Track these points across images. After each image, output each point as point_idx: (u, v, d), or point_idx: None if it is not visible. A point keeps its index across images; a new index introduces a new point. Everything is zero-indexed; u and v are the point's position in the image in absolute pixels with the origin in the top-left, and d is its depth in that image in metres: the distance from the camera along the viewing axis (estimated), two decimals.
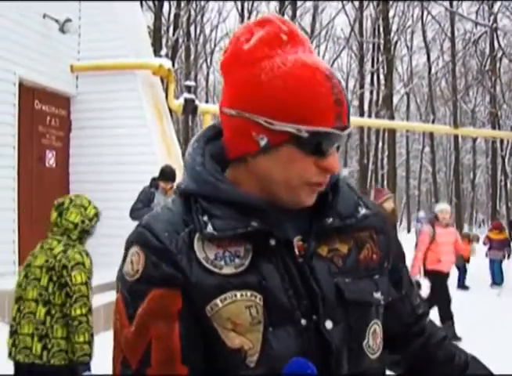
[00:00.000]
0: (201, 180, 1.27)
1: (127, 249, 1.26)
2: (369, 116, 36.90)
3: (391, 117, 28.28)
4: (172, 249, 1.21)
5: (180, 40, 34.21)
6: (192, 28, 37.48)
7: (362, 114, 35.44)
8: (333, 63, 43.58)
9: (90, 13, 10.82)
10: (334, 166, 1.23)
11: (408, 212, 54.31)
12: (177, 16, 31.98)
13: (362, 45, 36.75)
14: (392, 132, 28.04)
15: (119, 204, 8.83)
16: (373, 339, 1.32)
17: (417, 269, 9.24)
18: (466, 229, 38.08)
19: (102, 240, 6.40)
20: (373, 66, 38.63)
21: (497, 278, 15.24)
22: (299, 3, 36.09)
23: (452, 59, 34.53)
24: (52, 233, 4.13)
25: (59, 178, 10.56)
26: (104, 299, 7.14)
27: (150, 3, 30.21)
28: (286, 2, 34.13)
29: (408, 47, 44.20)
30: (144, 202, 7.77)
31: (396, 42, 38.58)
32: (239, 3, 37.30)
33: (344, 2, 37.32)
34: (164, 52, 26.66)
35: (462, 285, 15.02)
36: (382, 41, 33.21)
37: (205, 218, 1.22)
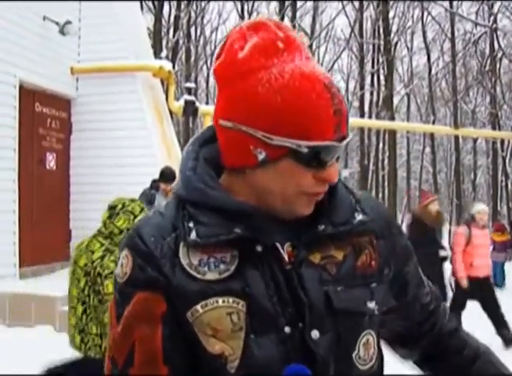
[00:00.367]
0: (190, 186, 1.26)
1: (120, 251, 1.28)
2: (370, 117, 36.85)
3: (392, 118, 28.25)
4: (157, 254, 1.22)
5: (180, 41, 34.19)
6: (192, 30, 37.44)
7: (362, 115, 35.39)
8: (334, 64, 43.57)
9: (90, 15, 10.84)
10: (333, 177, 1.21)
11: (409, 212, 54.20)
12: (177, 17, 31.96)
13: (362, 46, 36.69)
14: (393, 133, 28.00)
15: None
16: (365, 350, 1.29)
17: (463, 273, 8.55)
18: None
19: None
20: (373, 67, 38.56)
21: (499, 280, 15.22)
22: (299, 4, 36.03)
23: (452, 60, 34.48)
24: (99, 233, 4.24)
25: (60, 181, 10.57)
26: None
27: (150, 5, 30.20)
28: (286, 3, 34.08)
29: (408, 48, 44.11)
30: (145, 204, 7.78)
31: (396, 43, 38.49)
32: (239, 4, 37.27)
33: (344, 3, 37.28)
34: (164, 53, 26.67)
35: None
36: (382, 42, 33.14)
37: (191, 224, 1.23)
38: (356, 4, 36.21)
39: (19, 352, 6.57)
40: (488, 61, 36.22)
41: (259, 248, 1.22)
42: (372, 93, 39.38)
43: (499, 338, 8.32)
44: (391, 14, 34.32)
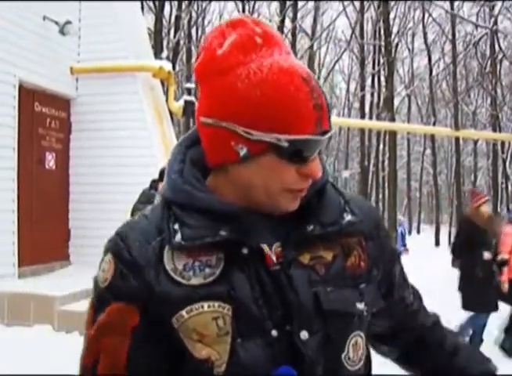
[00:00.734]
0: (177, 188, 1.26)
1: (103, 254, 1.28)
2: (370, 118, 36.90)
3: (392, 119, 28.23)
4: (141, 261, 1.22)
5: (181, 42, 34.20)
6: (193, 30, 37.45)
7: (363, 116, 35.45)
8: (335, 65, 43.61)
9: (90, 15, 10.84)
10: (316, 172, 1.21)
11: (409, 214, 54.27)
12: (178, 18, 31.95)
13: (362, 47, 36.72)
14: (393, 134, 28.00)
15: (119, 205, 8.83)
16: (354, 351, 1.29)
17: (505, 277, 8.14)
18: None
19: (101, 241, 6.41)
20: (373, 68, 38.60)
21: None
22: (300, 5, 36.03)
23: (453, 61, 34.51)
24: None
25: (59, 180, 10.57)
26: None
27: (151, 5, 30.19)
28: (288, 4, 34.08)
29: (409, 49, 44.15)
30: (145, 204, 7.77)
31: (397, 44, 38.52)
32: (240, 5, 37.27)
33: (345, 4, 37.30)
34: (165, 54, 26.67)
35: None
36: (383, 44, 33.13)
37: (176, 226, 1.22)
38: (357, 5, 36.24)
39: (18, 352, 6.57)
40: (489, 63, 36.22)
41: (245, 251, 1.22)
42: (372, 94, 39.43)
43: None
44: (391, 15, 34.33)
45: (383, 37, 32.99)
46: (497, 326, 8.36)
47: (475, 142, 42.77)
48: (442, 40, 40.46)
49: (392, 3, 34.41)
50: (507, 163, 38.69)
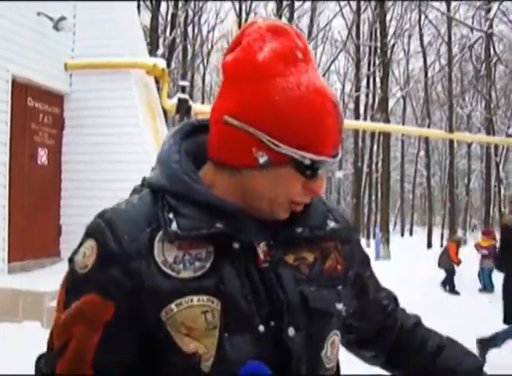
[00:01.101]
0: (176, 178, 1.26)
1: (84, 237, 1.26)
2: (365, 119, 36.95)
3: (387, 121, 28.27)
4: (130, 254, 1.20)
5: (177, 40, 34.13)
6: (189, 28, 37.43)
7: (357, 117, 35.47)
8: (330, 65, 43.66)
9: (85, 11, 10.79)
10: (321, 189, 1.26)
11: (402, 216, 54.35)
12: (174, 15, 31.93)
13: (358, 48, 36.76)
14: (387, 136, 28.04)
15: (110, 202, 8.79)
16: (331, 349, 1.33)
17: None
18: (459, 233, 38.13)
19: None
20: (369, 69, 38.67)
21: (487, 284, 15.23)
22: (297, 5, 36.07)
23: (448, 64, 34.59)
24: None
25: (51, 176, 10.54)
26: None
27: (148, 2, 30.18)
28: (284, 3, 34.11)
29: (404, 51, 44.24)
30: None
31: (393, 46, 38.62)
32: (237, 4, 37.28)
33: (342, 5, 37.37)
34: (160, 51, 26.65)
35: (452, 289, 15.07)
36: (379, 45, 33.16)
37: (171, 215, 1.22)
38: (354, 6, 36.29)
39: (6, 348, 6.55)
40: (484, 66, 36.32)
41: (236, 245, 1.23)
42: (367, 95, 39.52)
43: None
44: (388, 17, 34.43)
45: (379, 39, 32.99)
46: None
47: (469, 145, 42.91)
48: (438, 42, 40.64)
49: (389, 4, 34.49)
50: (500, 166, 38.81)
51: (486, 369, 1.57)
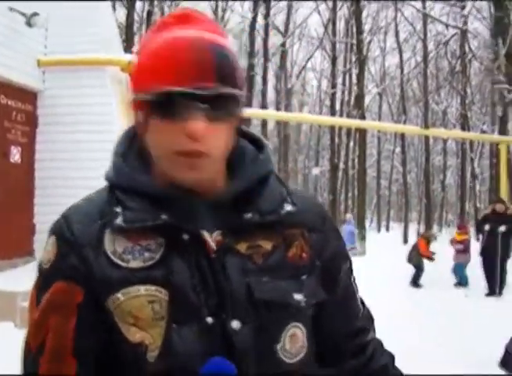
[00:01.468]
0: (120, 171, 1.28)
1: (48, 236, 1.31)
2: (341, 116, 37.04)
3: (363, 117, 28.33)
4: (81, 242, 1.23)
5: None
6: None
7: (333, 114, 35.55)
8: (307, 62, 43.75)
9: (58, 7, 10.67)
10: (192, 129, 1.16)
11: (378, 212, 54.63)
12: (150, 13, 31.78)
13: (334, 45, 36.85)
14: (363, 133, 28.16)
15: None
16: (291, 343, 1.26)
17: None
18: (435, 229, 38.43)
19: None
20: (345, 66, 38.83)
21: (462, 279, 15.33)
22: (273, 3, 36.05)
23: (423, 60, 34.83)
24: None
25: (25, 175, 10.42)
26: None
27: None
28: (260, 1, 34.08)
29: (381, 48, 44.50)
30: None
31: (369, 43, 38.82)
32: (213, 2, 37.17)
33: (318, 2, 37.44)
34: (136, 48, 26.47)
35: (414, 282, 15.19)
36: (355, 42, 33.26)
37: (118, 209, 1.24)
38: (330, 3, 36.36)
39: None
40: (459, 62, 36.60)
41: (186, 237, 1.22)
42: (343, 92, 39.61)
43: None
44: (364, 14, 34.51)
45: (355, 36, 33.09)
46: None
47: (445, 141, 43.21)
48: (414, 39, 40.84)
49: (365, 2, 34.57)
50: (475, 162, 39.15)
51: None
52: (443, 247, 17.10)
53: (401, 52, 40.01)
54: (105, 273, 1.20)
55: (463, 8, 32.66)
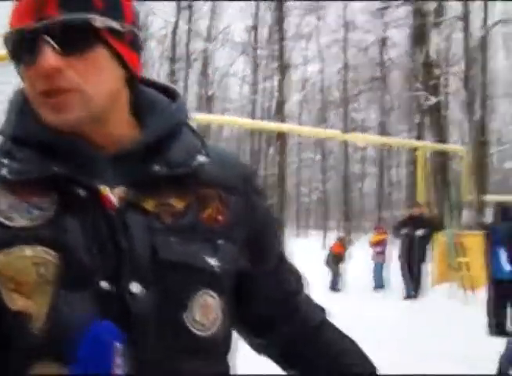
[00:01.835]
0: (11, 119, 1.15)
1: None
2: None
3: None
4: None
5: None
6: None
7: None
8: (229, 68, 43.74)
9: None
10: (40, 65, 1.04)
11: (297, 220, 55.06)
12: None
13: (257, 51, 36.99)
14: (283, 139, 28.26)
15: None
16: (202, 313, 1.12)
17: None
18: (352, 236, 38.98)
19: None
20: (267, 72, 38.99)
21: (379, 281, 15.49)
22: (196, 7, 36.00)
23: (344, 67, 35.32)
24: None
25: None
26: None
27: None
28: (183, 4, 33.98)
29: (302, 55, 44.91)
30: None
31: (291, 49, 39.12)
32: (136, 4, 36.79)
33: (241, 8, 37.55)
34: None
35: (334, 287, 15.29)
36: (277, 48, 33.46)
37: (6, 160, 1.10)
38: (253, 10, 36.53)
39: None
40: (379, 70, 37.32)
41: (82, 192, 1.08)
42: (265, 99, 39.78)
43: None
44: (286, 20, 34.75)
45: (277, 42, 33.29)
46: None
47: (364, 149, 43.90)
48: (335, 46, 41.40)
49: (287, 9, 34.80)
50: (394, 170, 39.93)
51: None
52: (361, 253, 17.30)
53: (322, 60, 40.50)
54: None
55: (382, 16, 33.28)
